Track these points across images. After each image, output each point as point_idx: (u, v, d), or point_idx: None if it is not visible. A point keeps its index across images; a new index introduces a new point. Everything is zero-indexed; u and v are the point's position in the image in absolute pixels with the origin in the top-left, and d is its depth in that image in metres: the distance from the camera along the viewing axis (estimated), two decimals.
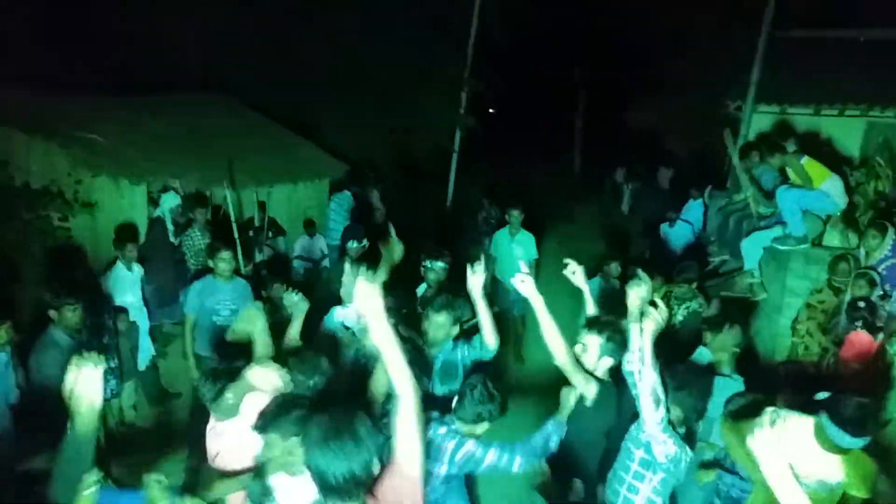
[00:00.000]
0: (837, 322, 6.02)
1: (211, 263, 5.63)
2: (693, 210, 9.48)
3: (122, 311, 6.06)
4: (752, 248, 7.25)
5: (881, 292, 6.01)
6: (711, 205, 8.88)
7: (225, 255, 5.54)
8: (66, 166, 7.04)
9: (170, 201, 7.67)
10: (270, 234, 9.05)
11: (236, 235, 6.86)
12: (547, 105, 20.17)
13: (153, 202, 7.69)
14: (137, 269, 6.46)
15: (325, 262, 10.23)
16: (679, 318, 5.85)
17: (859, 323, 5.42)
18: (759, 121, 9.79)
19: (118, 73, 10.40)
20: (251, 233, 8.35)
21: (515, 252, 7.41)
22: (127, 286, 6.29)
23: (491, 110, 20.37)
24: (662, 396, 3.16)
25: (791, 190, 6.86)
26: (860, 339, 5.57)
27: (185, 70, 11.06)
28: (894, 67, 8.82)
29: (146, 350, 6.55)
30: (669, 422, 3.26)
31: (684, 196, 9.90)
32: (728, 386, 4.63)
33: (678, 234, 8.85)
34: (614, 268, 6.69)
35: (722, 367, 4.60)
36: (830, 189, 6.72)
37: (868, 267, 6.14)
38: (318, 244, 10.29)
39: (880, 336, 5.47)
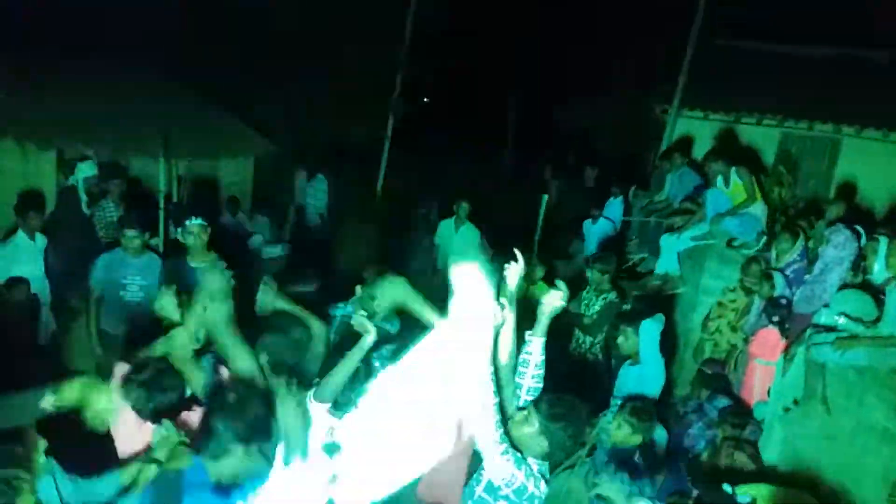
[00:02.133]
0: (747, 321, 6.28)
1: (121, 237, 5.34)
2: (613, 208, 9.69)
3: (21, 282, 5.70)
4: (670, 246, 7.49)
5: (786, 293, 6.29)
6: (634, 203, 9.09)
7: (132, 232, 5.23)
8: None
9: (85, 171, 7.28)
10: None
11: (161, 207, 6.49)
12: (481, 102, 20.28)
13: (68, 170, 7.29)
14: (41, 240, 6.09)
15: (251, 242, 9.91)
16: (596, 307, 5.95)
17: (776, 319, 5.65)
18: (683, 125, 10.08)
19: (30, 31, 9.75)
20: (169, 207, 8.02)
21: (460, 243, 7.59)
22: (27, 256, 5.92)
23: (426, 99, 20.37)
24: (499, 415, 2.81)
25: (722, 195, 7.12)
26: (770, 335, 5.83)
27: (105, 33, 10.47)
28: (810, 82, 9.23)
29: (47, 324, 6.20)
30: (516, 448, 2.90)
31: (608, 194, 10.11)
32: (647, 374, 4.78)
33: (599, 230, 9.02)
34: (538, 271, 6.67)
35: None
36: (756, 212, 7.05)
37: (776, 269, 6.41)
38: (243, 224, 10.01)
39: (787, 334, 5.74)
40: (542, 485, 2.92)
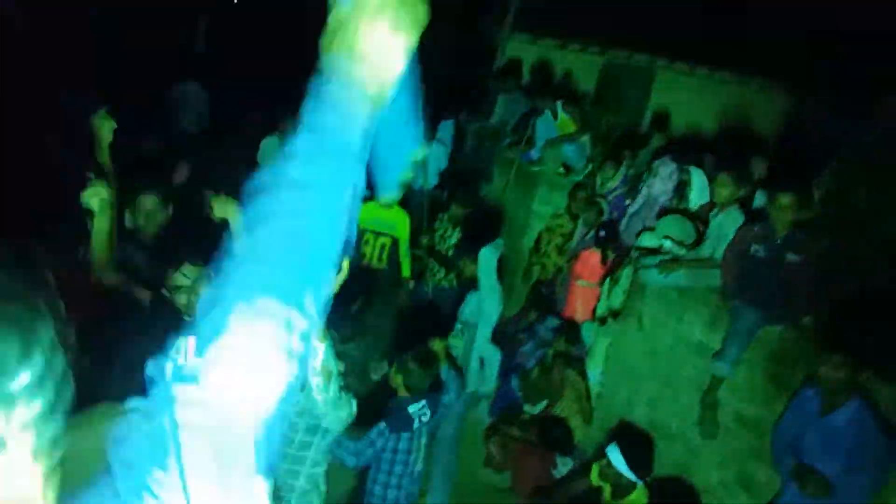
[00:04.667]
0: (572, 244, 6.59)
1: None
2: (445, 131, 9.63)
3: None
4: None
5: (607, 218, 6.66)
6: (467, 128, 9.09)
7: None
8: None
9: None
10: None
11: None
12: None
13: None
14: None
15: None
16: (453, 240, 5.96)
17: (600, 243, 5.95)
18: (513, 48, 10.15)
19: None
20: None
21: None
22: None
23: None
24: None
25: (551, 123, 7.29)
26: (592, 257, 6.16)
27: None
28: (631, 12, 9.60)
29: None
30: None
31: (439, 117, 10.01)
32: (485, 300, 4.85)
33: (433, 153, 8.94)
34: None
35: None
36: (583, 140, 7.32)
37: (600, 195, 6.75)
38: None
39: (609, 257, 6.09)
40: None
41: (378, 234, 6.10)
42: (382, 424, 3.54)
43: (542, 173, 7.35)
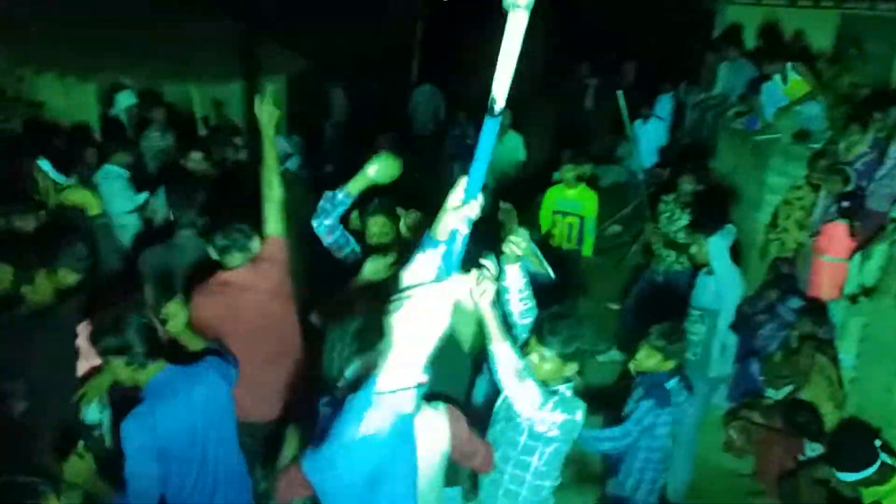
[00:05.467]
0: (814, 218, 6.11)
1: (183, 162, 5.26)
2: (663, 105, 9.32)
3: None
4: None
5: (855, 188, 6.08)
6: (687, 101, 8.74)
7: (196, 155, 5.16)
8: (5, 63, 6.44)
9: (125, 100, 7.13)
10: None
11: (205, 133, 6.35)
12: None
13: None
14: None
15: (289, 164, 9.84)
16: (683, 222, 5.81)
17: (846, 214, 5.49)
18: (733, 13, 9.54)
19: None
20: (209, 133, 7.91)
21: (504, 151, 7.40)
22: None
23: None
24: (524, 370, 2.62)
25: (779, 90, 6.80)
26: (837, 230, 5.67)
27: None
28: None
29: None
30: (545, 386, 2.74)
31: (652, 91, 9.70)
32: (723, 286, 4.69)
33: (651, 130, 8.71)
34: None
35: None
36: (819, 105, 6.78)
37: (844, 163, 6.17)
38: (280, 144, 9.88)
39: (857, 230, 5.57)
40: (579, 412, 2.78)
41: (565, 215, 6.17)
42: (651, 401, 3.51)
43: (776, 143, 6.85)
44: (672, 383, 3.58)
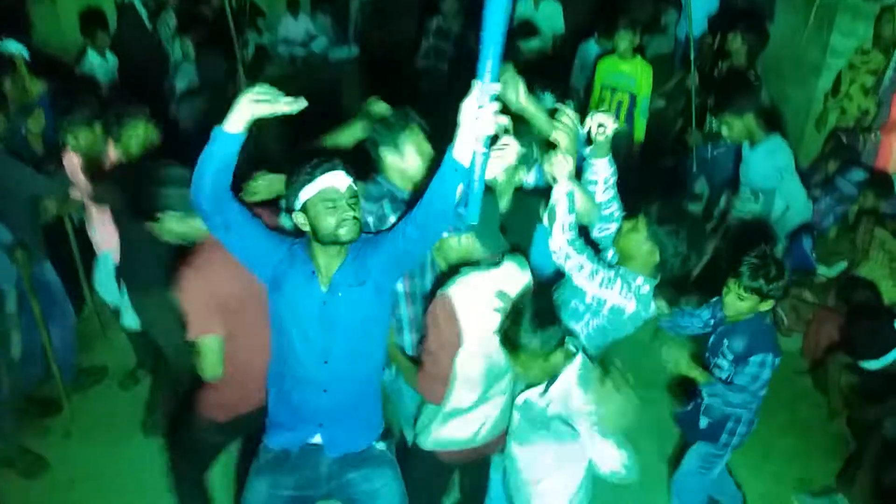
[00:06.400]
0: (883, 82, 5.57)
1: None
2: None
3: None
4: None
5: None
6: None
7: None
8: None
9: None
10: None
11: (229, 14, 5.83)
12: None
13: None
14: (112, 58, 5.82)
15: (314, 46, 9.47)
16: None
17: None
18: None
19: None
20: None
21: (542, 18, 6.90)
22: (102, 75, 5.69)
23: None
24: (594, 264, 2.59)
25: None
26: None
27: None
28: None
29: None
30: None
31: None
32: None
33: None
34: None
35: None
36: None
37: None
38: (304, 25, 9.50)
39: None
40: (650, 305, 2.68)
41: (614, 91, 5.60)
42: (766, 355, 2.93)
43: None
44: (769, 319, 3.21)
